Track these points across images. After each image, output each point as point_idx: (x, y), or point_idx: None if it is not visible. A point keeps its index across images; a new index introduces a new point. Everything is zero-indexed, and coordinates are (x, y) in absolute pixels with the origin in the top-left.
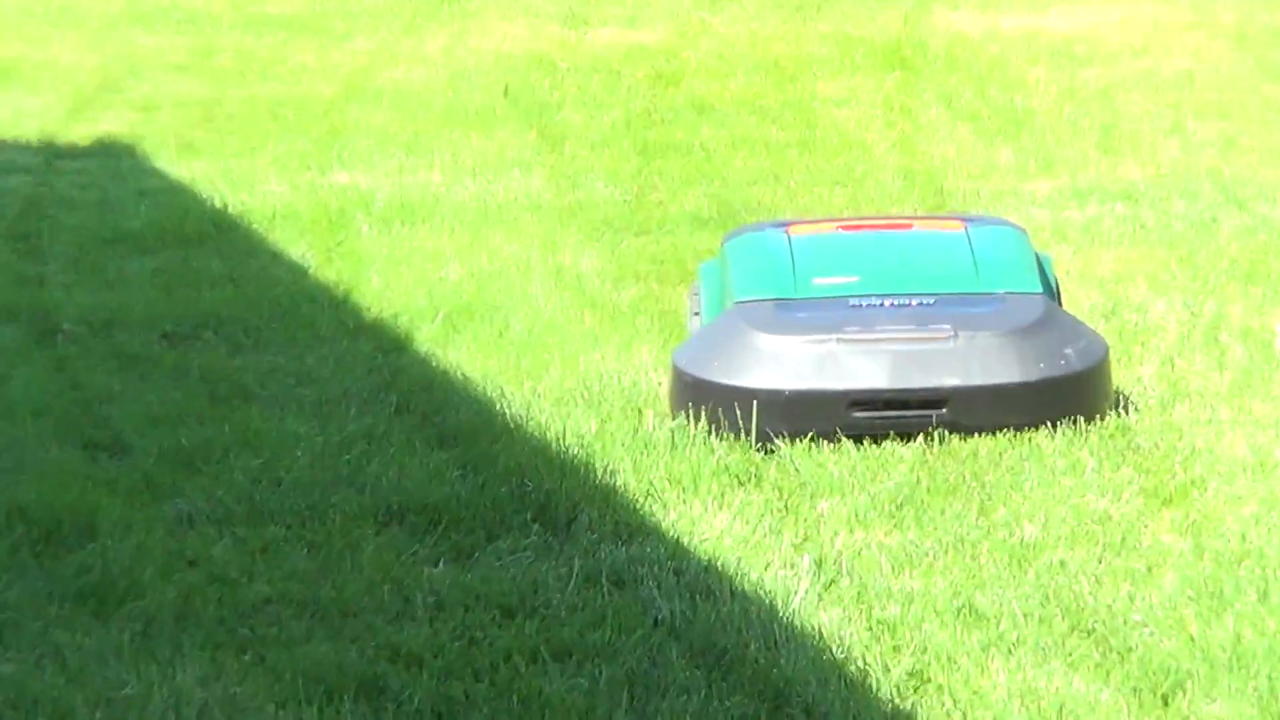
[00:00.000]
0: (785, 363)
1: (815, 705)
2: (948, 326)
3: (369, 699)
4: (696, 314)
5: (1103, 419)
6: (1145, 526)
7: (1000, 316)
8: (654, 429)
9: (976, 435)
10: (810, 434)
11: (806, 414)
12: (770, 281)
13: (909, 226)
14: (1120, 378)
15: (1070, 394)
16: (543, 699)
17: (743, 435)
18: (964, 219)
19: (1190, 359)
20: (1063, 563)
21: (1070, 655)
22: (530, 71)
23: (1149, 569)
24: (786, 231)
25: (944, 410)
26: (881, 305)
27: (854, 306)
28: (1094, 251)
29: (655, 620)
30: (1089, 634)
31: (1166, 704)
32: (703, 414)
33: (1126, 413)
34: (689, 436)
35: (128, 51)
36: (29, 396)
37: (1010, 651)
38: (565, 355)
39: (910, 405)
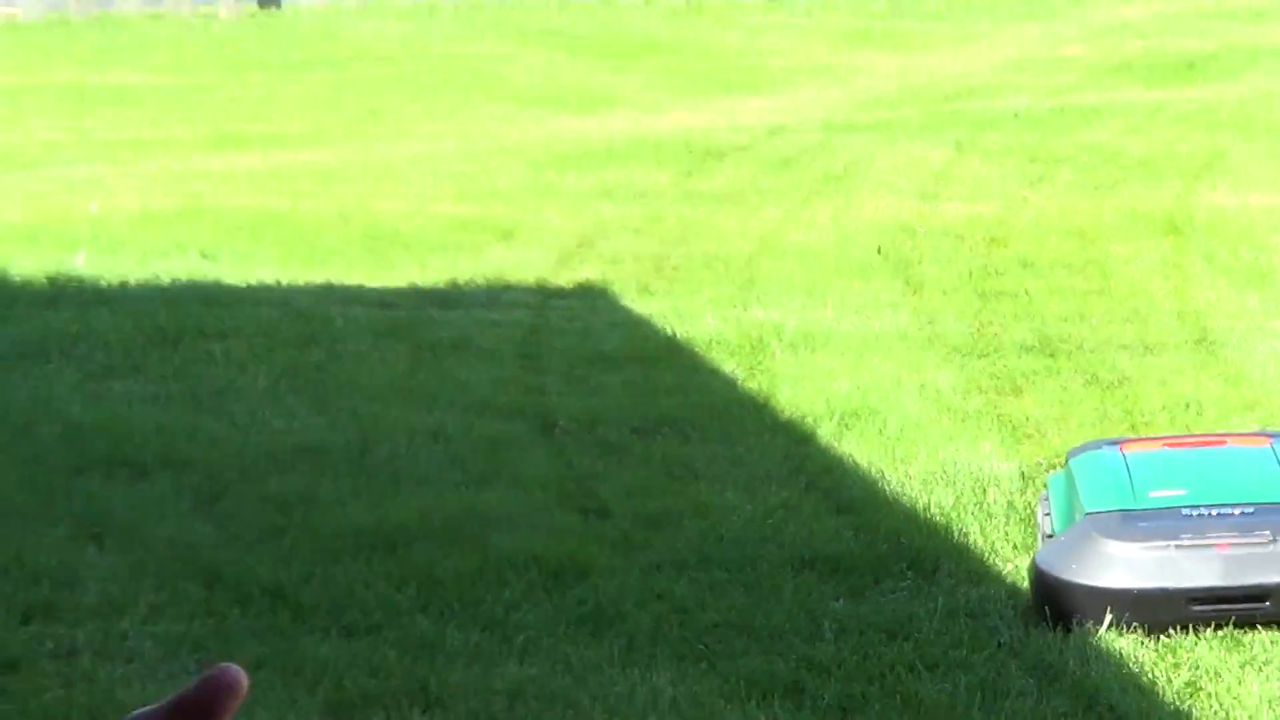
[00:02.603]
0: (1133, 566)
1: (1117, 707)
2: (1267, 532)
3: (792, 698)
4: (1047, 515)
5: None
6: None
7: None
8: (994, 502)
9: None
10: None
11: (1152, 610)
12: (1113, 495)
13: (1223, 443)
14: None
15: None
16: (919, 699)
17: (1095, 629)
18: (1269, 435)
19: None
20: None
21: None
22: (896, 235)
23: None
24: (1121, 449)
25: (1267, 603)
26: (1209, 514)
27: (1186, 516)
28: None
29: (999, 643)
30: None
31: None
32: (1061, 608)
33: None
34: (1020, 511)
35: (598, 218)
36: (536, 474)
37: (1261, 668)
38: (928, 447)
39: (1238, 600)
